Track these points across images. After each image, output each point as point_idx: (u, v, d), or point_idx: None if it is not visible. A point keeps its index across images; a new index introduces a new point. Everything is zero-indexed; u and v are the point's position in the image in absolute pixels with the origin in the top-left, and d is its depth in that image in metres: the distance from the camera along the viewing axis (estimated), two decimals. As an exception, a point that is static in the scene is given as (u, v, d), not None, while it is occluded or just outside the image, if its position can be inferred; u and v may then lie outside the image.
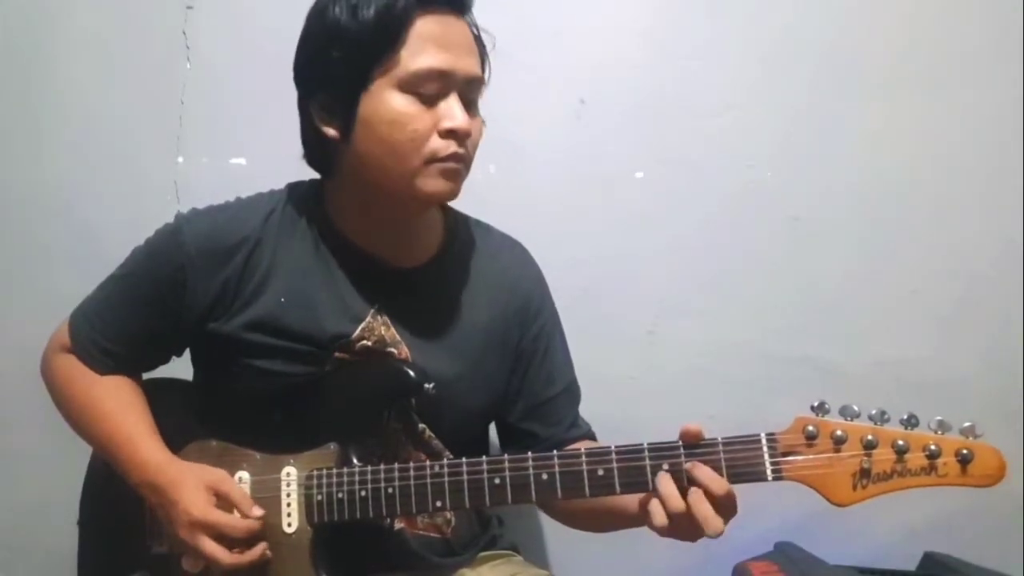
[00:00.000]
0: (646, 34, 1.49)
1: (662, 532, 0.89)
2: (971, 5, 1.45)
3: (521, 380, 1.15)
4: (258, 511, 0.99)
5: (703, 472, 0.87)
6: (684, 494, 0.87)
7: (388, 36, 0.94)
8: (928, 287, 1.46)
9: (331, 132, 1.00)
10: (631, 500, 0.95)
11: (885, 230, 1.47)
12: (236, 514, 0.98)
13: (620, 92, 1.49)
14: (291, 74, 1.04)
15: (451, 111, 0.96)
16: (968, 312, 1.45)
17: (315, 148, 1.05)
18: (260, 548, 0.98)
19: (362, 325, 1.05)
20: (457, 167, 0.99)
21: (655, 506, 0.88)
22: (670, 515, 0.87)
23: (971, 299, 1.45)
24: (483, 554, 1.17)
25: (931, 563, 1.36)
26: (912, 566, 1.39)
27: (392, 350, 1.06)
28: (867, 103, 1.46)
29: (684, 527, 0.88)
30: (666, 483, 0.88)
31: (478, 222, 1.20)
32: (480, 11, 1.04)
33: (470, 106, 1.00)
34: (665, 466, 0.89)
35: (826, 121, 1.47)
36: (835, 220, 1.47)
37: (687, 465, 0.88)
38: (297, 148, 1.09)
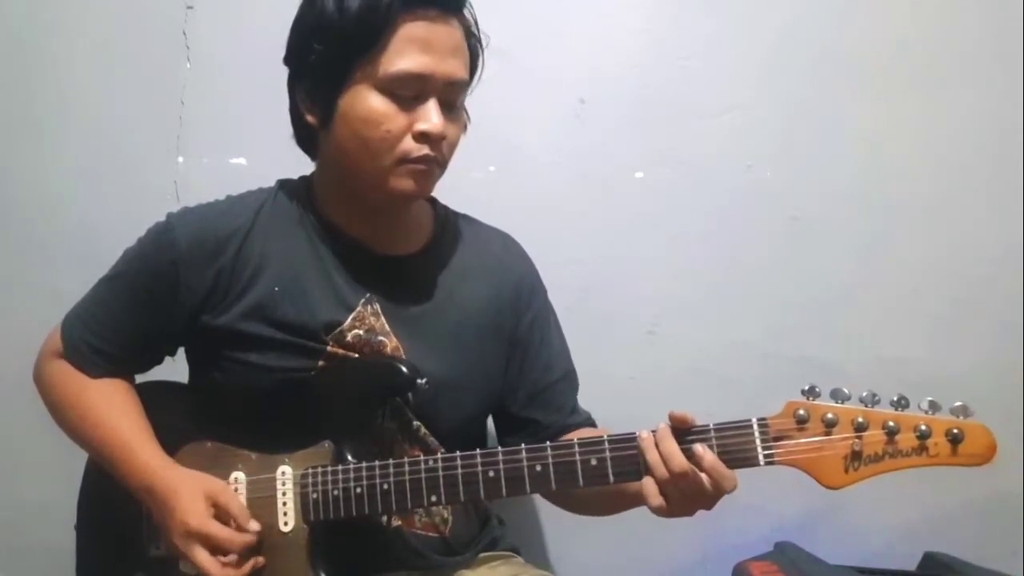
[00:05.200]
0: (646, 34, 1.49)
1: (661, 510, 0.89)
2: (971, 5, 1.45)
3: (519, 368, 1.15)
4: (255, 526, 0.98)
5: (697, 448, 0.87)
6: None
7: (369, 35, 0.95)
8: (928, 287, 1.46)
9: (311, 119, 1.02)
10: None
11: (885, 230, 1.47)
12: (233, 526, 0.98)
13: (620, 92, 1.49)
14: (290, 73, 1.05)
15: (427, 114, 0.97)
16: (968, 312, 1.45)
17: (300, 130, 1.07)
18: (251, 564, 0.97)
19: (354, 314, 1.06)
20: (427, 169, 1.00)
21: (649, 483, 0.88)
22: (671, 472, 0.87)
23: (971, 299, 1.45)
24: (483, 555, 1.17)
25: (931, 563, 1.36)
26: (912, 566, 1.38)
27: (383, 339, 1.06)
28: (867, 103, 1.46)
29: (678, 492, 0.87)
30: (656, 447, 0.88)
31: (467, 216, 1.21)
32: (480, 11, 1.05)
33: (451, 108, 1.01)
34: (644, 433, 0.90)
35: (826, 121, 1.47)
36: (835, 220, 1.47)
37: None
38: (297, 149, 1.09)
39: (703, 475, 0.86)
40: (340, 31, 0.96)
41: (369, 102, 0.97)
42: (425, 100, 0.97)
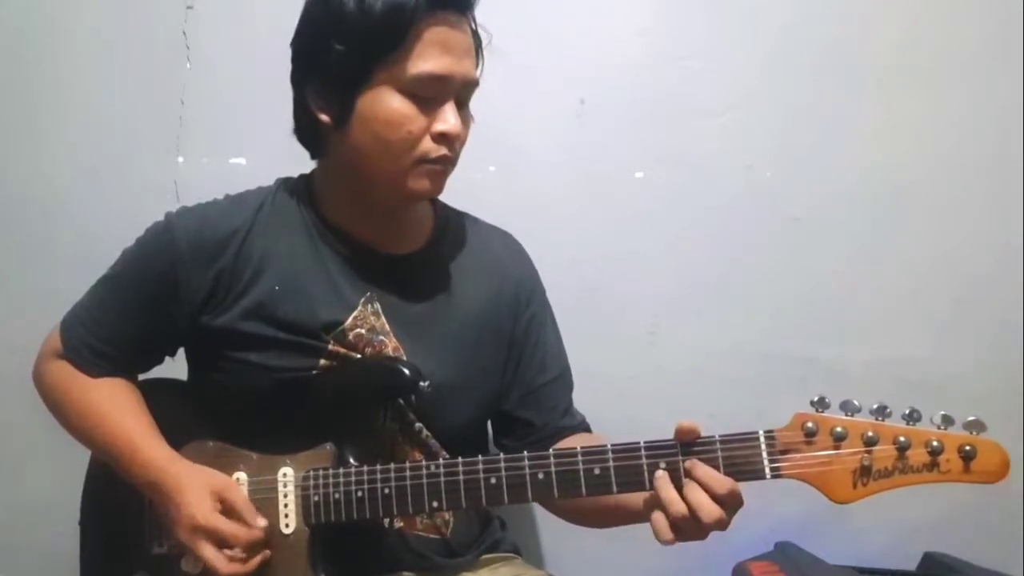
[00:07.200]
0: (646, 34, 1.49)
1: (669, 543, 0.87)
2: (971, 4, 1.45)
3: (515, 368, 1.15)
4: (262, 522, 0.98)
5: (703, 471, 0.86)
6: (681, 491, 0.86)
7: (393, 36, 0.95)
8: (928, 287, 1.46)
9: (324, 118, 1.01)
10: (635, 496, 0.94)
11: (885, 230, 1.47)
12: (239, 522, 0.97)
13: (620, 92, 1.49)
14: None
15: (446, 115, 0.98)
16: (968, 312, 1.45)
17: (306, 128, 1.06)
18: (258, 559, 0.97)
19: (355, 313, 1.06)
20: (443, 168, 1.01)
21: (659, 520, 0.87)
22: (674, 522, 0.86)
23: (971, 299, 1.45)
24: (484, 556, 1.17)
25: (931, 563, 1.36)
26: (912, 566, 1.39)
27: (383, 339, 1.06)
28: (867, 103, 1.46)
29: (689, 528, 0.86)
30: (666, 488, 0.87)
31: (467, 215, 1.21)
32: (480, 11, 1.04)
33: (462, 106, 1.01)
34: (662, 465, 0.88)
35: (826, 121, 1.47)
36: (835, 220, 1.47)
37: (686, 464, 0.87)
38: (296, 149, 1.09)
39: (705, 494, 0.85)
40: (363, 31, 0.95)
41: (391, 103, 0.96)
42: (443, 101, 0.98)
